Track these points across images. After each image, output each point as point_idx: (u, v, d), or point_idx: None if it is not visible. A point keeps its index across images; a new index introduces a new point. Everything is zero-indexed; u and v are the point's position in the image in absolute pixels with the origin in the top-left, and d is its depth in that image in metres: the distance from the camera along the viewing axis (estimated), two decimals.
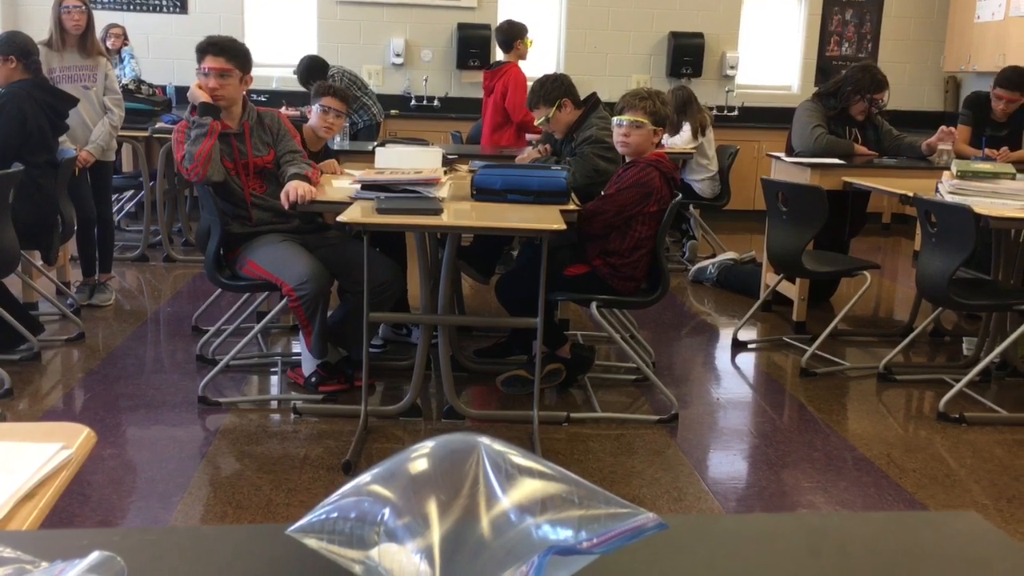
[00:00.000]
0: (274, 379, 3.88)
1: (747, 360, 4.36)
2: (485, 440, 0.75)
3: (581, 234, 3.51)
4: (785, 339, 4.57)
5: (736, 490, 3.01)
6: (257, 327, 3.76)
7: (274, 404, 3.62)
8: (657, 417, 3.51)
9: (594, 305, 3.50)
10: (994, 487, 3.03)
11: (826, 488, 3.00)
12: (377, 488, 0.72)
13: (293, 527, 0.73)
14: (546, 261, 3.10)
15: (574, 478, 0.72)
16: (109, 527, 2.57)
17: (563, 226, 3.00)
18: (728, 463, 3.23)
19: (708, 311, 5.23)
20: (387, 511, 0.68)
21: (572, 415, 3.48)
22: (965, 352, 4.34)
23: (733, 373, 4.20)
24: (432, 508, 0.69)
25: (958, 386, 3.66)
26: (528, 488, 0.71)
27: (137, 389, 3.67)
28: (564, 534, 0.67)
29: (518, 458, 0.74)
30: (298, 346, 4.01)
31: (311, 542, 0.72)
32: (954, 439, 3.41)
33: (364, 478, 0.74)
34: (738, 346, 4.49)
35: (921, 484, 3.03)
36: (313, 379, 3.64)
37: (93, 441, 1.18)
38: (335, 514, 0.71)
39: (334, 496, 0.74)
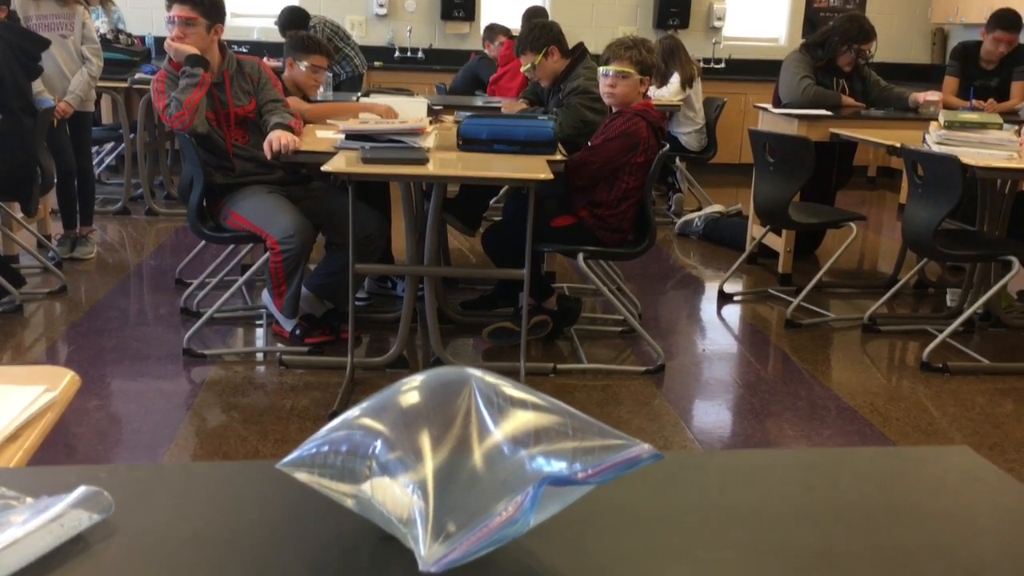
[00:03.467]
0: (259, 331, 3.86)
1: (733, 312, 4.37)
2: (476, 373, 0.74)
3: (568, 185, 3.49)
4: (770, 291, 4.58)
5: (722, 439, 3.03)
6: (241, 279, 3.73)
7: (260, 356, 3.60)
8: (643, 368, 3.52)
9: (581, 256, 3.48)
10: (976, 435, 3.06)
11: (810, 436, 3.02)
12: (368, 421, 0.71)
13: (283, 461, 0.72)
14: (533, 212, 3.07)
15: (568, 409, 0.71)
16: None
17: (550, 175, 2.98)
18: (714, 413, 3.24)
19: (694, 264, 5.23)
20: (379, 444, 0.67)
21: (558, 366, 3.48)
22: (949, 303, 4.36)
23: (719, 325, 4.21)
24: (424, 441, 0.68)
25: (942, 336, 3.67)
26: (521, 420, 0.70)
27: (121, 342, 3.64)
28: (558, 466, 0.66)
29: (510, 390, 0.73)
30: None
31: (302, 476, 0.71)
32: (937, 388, 3.44)
33: (353, 412, 0.73)
34: (724, 298, 4.50)
35: (904, 432, 3.06)
36: (298, 331, 3.62)
37: (77, 385, 1.17)
38: (326, 448, 0.70)
39: (324, 430, 0.73)
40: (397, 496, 0.65)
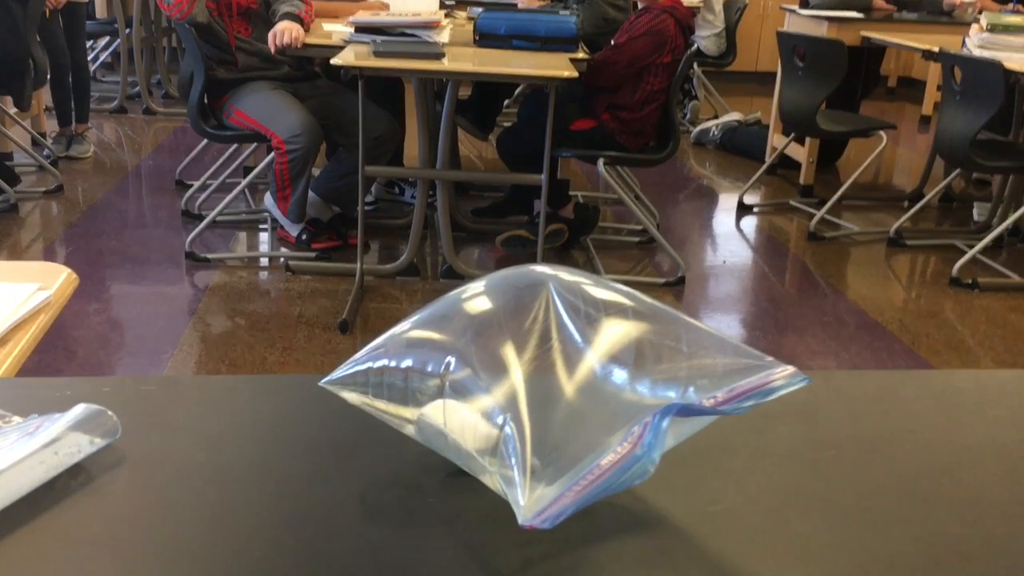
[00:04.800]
0: (263, 236, 3.72)
1: (752, 224, 4.22)
2: (552, 272, 0.61)
3: (589, 86, 3.30)
4: (791, 203, 4.42)
5: None
6: (244, 182, 3.58)
7: (264, 261, 3.47)
8: (663, 280, 3.39)
9: (601, 162, 3.32)
10: (1008, 353, 2.96)
11: (837, 353, 2.91)
12: (430, 334, 0.58)
13: (328, 378, 0.59)
14: (553, 114, 2.90)
15: (678, 316, 0.57)
16: None
17: (574, 73, 2.80)
18: (736, 327, 3.13)
19: (710, 174, 5.06)
20: (452, 360, 0.54)
21: None
22: (976, 218, 4.22)
23: (738, 237, 4.07)
24: (506, 358, 0.55)
25: (972, 252, 3.54)
26: (618, 332, 0.57)
27: (121, 244, 3.50)
28: (669, 392, 0.53)
29: (599, 291, 0.59)
30: None
31: (351, 397, 0.58)
32: (967, 305, 3.32)
33: (405, 326, 0.60)
34: (743, 209, 4.35)
35: (935, 350, 2.95)
36: (304, 236, 3.48)
37: (74, 284, 1.04)
38: (383, 362, 0.57)
39: (376, 343, 0.60)
40: (477, 425, 0.52)
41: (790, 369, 0.53)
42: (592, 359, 0.55)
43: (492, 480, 0.50)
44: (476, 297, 0.61)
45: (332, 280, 3.26)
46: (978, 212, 4.24)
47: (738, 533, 0.52)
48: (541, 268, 0.62)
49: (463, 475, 0.54)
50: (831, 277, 3.54)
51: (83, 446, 0.56)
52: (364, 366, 0.58)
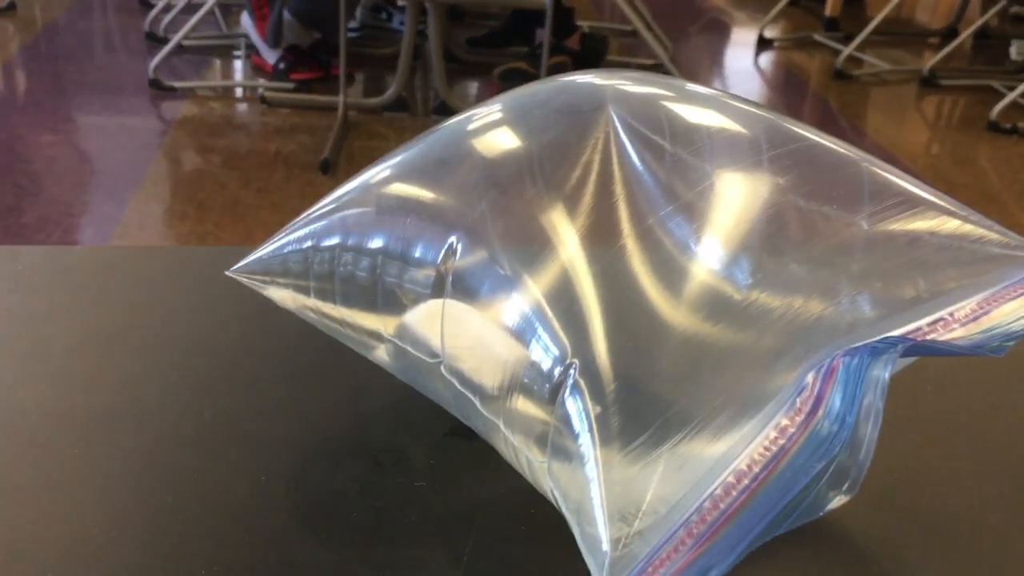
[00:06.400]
0: (237, 64, 3.39)
1: (773, 59, 3.89)
2: (607, 83, 0.36)
3: None
4: (815, 37, 4.07)
5: None
6: (212, 0, 3.21)
7: (238, 92, 3.16)
8: None
9: None
10: None
11: None
12: (417, 192, 0.33)
13: (243, 263, 0.34)
14: None
15: (844, 153, 0.33)
16: (44, 224, 2.22)
17: None
18: None
19: (727, 5, 4.67)
20: (457, 239, 0.30)
21: None
22: (1014, 56, 3.88)
23: (757, 74, 3.75)
24: (549, 237, 0.30)
25: (1012, 95, 3.24)
26: (738, 191, 0.32)
27: (80, 69, 3.18)
28: (840, 300, 0.29)
29: (695, 112, 0.34)
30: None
31: (281, 295, 0.34)
32: (1006, 152, 3.06)
33: (381, 170, 0.35)
34: (763, 44, 4.00)
35: (972, 201, 2.69)
36: (282, 65, 3.15)
37: None
38: (334, 238, 0.32)
39: (324, 203, 0.35)
40: (502, 351, 0.28)
41: None
42: (694, 241, 0.31)
43: (535, 474, 0.26)
44: (492, 129, 0.37)
45: (312, 114, 2.96)
46: (1016, 51, 3.90)
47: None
48: (590, 78, 0.37)
49: (463, 437, 0.31)
50: (859, 119, 3.26)
51: None
52: (304, 243, 0.33)
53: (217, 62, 3.38)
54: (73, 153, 2.63)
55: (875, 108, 3.39)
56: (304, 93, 3.09)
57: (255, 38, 3.07)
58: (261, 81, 3.17)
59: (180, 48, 3.18)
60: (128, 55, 3.33)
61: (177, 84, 3.06)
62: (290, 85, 3.12)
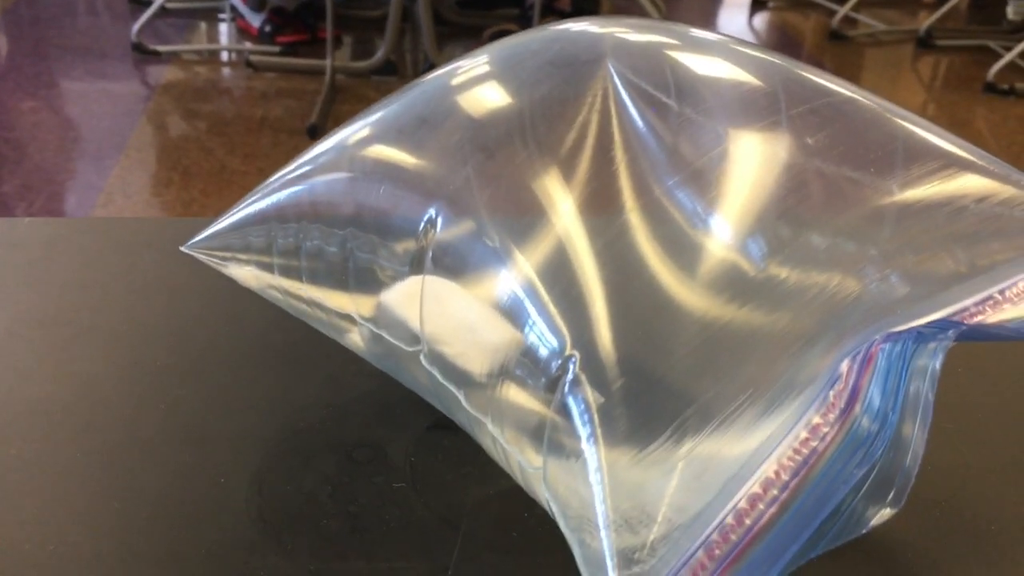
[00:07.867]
0: (223, 27, 3.32)
1: (767, 20, 3.84)
2: (604, 32, 0.32)
3: None
4: None
5: None
6: None
7: (224, 56, 3.10)
8: None
9: None
10: None
11: None
12: (393, 155, 0.30)
13: (198, 238, 0.31)
14: None
15: (869, 106, 0.29)
16: (26, 193, 2.17)
17: None
18: None
19: None
20: (438, 208, 0.26)
21: None
22: (1011, 16, 3.83)
23: (752, 35, 3.70)
24: (542, 205, 0.27)
25: (1010, 56, 3.20)
26: (753, 152, 0.29)
27: (61, 33, 3.11)
28: (868, 273, 0.26)
29: (701, 62, 0.31)
30: None
31: (243, 273, 0.30)
32: (1003, 114, 3.02)
33: (352, 132, 0.32)
34: (757, 4, 3.95)
35: None
36: (267, 28, 3.09)
37: None
38: (295, 210, 0.29)
39: (292, 166, 0.32)
40: (483, 334, 0.25)
41: None
42: (707, 213, 0.27)
43: (528, 479, 0.23)
44: (478, 84, 0.33)
45: (299, 79, 2.91)
46: (1013, 10, 3.85)
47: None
48: (586, 26, 0.33)
49: (448, 431, 0.27)
50: (852, 80, 3.17)
51: None
52: (267, 215, 0.30)
53: (202, 25, 3.31)
54: (55, 119, 2.58)
55: (871, 69, 3.34)
56: (290, 56, 3.03)
57: (238, 1, 3.01)
58: (247, 45, 3.10)
59: (164, 11, 3.12)
60: (111, 18, 3.26)
61: (161, 48, 3.00)
62: (276, 48, 3.06)
